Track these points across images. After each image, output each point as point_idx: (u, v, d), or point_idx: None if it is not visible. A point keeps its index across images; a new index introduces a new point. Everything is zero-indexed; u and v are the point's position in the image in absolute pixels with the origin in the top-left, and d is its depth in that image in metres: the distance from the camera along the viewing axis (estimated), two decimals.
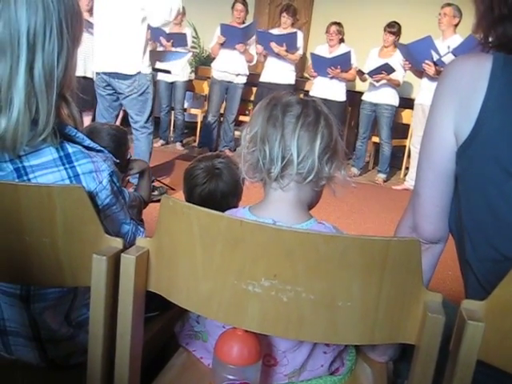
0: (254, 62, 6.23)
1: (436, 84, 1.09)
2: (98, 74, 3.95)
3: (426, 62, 4.97)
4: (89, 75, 5.47)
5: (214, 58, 6.27)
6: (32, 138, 0.99)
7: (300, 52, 6.10)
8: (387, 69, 5.44)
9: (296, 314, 0.86)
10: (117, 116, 4.22)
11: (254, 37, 6.04)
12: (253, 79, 6.47)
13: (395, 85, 5.64)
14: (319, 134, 1.10)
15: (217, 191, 1.74)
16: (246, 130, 1.16)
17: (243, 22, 6.08)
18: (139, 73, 3.83)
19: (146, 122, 4.02)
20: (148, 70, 3.92)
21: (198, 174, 1.77)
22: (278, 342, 1.12)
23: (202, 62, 7.67)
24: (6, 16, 0.95)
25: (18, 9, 0.95)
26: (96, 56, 3.94)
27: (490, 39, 1.04)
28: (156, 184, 4.31)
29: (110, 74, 3.84)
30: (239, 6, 6.02)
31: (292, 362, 1.13)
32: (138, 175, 2.10)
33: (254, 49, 6.11)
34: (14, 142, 0.97)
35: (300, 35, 6.02)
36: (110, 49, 3.79)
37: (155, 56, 4.57)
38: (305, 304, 0.85)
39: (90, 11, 5.65)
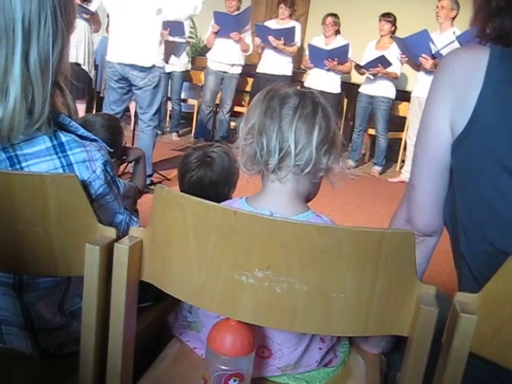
0: (250, 51, 6.20)
1: (433, 77, 1.09)
2: (111, 66, 3.95)
3: (423, 55, 4.96)
4: (80, 61, 5.46)
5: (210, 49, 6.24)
6: (27, 127, 0.98)
7: (298, 45, 6.09)
8: (383, 61, 5.43)
9: (289, 305, 0.86)
10: (125, 109, 4.22)
11: (249, 25, 6.01)
12: (248, 70, 6.45)
13: (393, 78, 5.63)
14: (317, 126, 1.09)
15: (205, 179, 1.75)
16: (243, 122, 1.16)
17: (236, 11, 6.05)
18: (154, 66, 3.86)
19: (154, 114, 4.05)
20: (162, 63, 3.97)
21: (189, 160, 1.79)
22: (273, 333, 1.12)
23: (199, 53, 7.63)
24: (0, 4, 0.94)
25: None
26: (111, 46, 3.95)
27: (487, 31, 1.04)
28: (155, 179, 4.30)
29: (125, 65, 3.85)
30: None
31: (287, 355, 1.13)
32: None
33: (250, 38, 6.08)
34: (11, 131, 0.97)
35: (298, 28, 6.00)
36: (126, 40, 3.80)
37: (171, 49, 4.56)
38: (298, 295, 0.85)
39: None
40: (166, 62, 4.33)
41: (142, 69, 3.83)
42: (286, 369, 1.14)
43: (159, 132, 6.61)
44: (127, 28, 3.78)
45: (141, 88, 3.93)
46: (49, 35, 0.99)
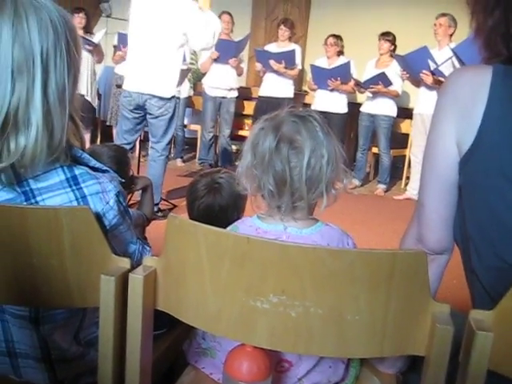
0: (243, 74, 6.31)
1: (434, 93, 1.11)
2: (126, 95, 3.92)
3: (424, 71, 4.99)
4: (83, 92, 5.52)
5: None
6: (47, 156, 1.01)
7: (299, 67, 6.15)
8: (383, 79, 5.46)
9: (305, 329, 0.87)
10: (137, 138, 4.20)
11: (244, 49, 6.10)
12: (245, 93, 6.52)
13: (394, 96, 5.65)
14: (324, 162, 1.11)
15: (214, 205, 1.76)
16: (250, 154, 1.16)
17: (230, 33, 6.11)
18: (174, 96, 3.88)
19: (167, 144, 4.05)
20: (178, 93, 4.00)
21: (197, 188, 1.81)
22: None
23: (200, 78, 7.69)
24: (21, 39, 0.98)
25: (31, 31, 0.98)
26: (130, 75, 3.93)
27: (493, 52, 1.04)
28: (162, 206, 4.31)
29: (144, 94, 3.83)
30: (226, 18, 6.03)
31: (306, 361, 1.14)
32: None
33: (244, 61, 6.18)
34: (33, 160, 1.00)
35: (298, 51, 6.08)
36: (148, 70, 3.78)
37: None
38: (313, 319, 0.85)
39: (84, 29, 5.78)
40: None
41: (161, 99, 3.82)
42: (304, 376, 1.14)
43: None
44: (149, 58, 3.76)
45: (157, 117, 3.90)
46: (64, 66, 1.03)
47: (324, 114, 1.22)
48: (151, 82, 3.78)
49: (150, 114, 3.91)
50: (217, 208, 1.76)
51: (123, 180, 1.15)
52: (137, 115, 3.96)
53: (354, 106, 6.33)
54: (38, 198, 1.02)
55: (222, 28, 3.86)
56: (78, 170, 1.06)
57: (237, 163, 1.21)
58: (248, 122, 7.02)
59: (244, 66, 6.19)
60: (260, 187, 1.14)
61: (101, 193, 1.05)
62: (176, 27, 3.69)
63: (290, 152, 1.11)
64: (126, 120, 4.01)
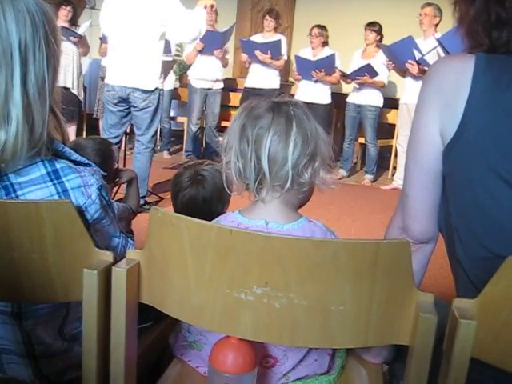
0: (229, 65, 6.30)
1: (420, 83, 1.10)
2: (109, 89, 3.89)
3: (409, 61, 5.00)
4: (68, 85, 5.47)
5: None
6: (28, 150, 1.00)
7: (285, 58, 6.14)
8: (369, 70, 5.47)
9: (289, 320, 0.86)
10: (123, 132, 4.15)
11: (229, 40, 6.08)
12: (231, 84, 6.51)
13: (380, 87, 5.66)
14: (291, 143, 1.09)
15: (198, 197, 1.76)
16: (224, 142, 1.17)
17: (215, 25, 6.09)
18: (157, 88, 3.85)
19: (153, 136, 4.03)
20: (161, 85, 3.94)
21: (181, 180, 1.80)
22: None
23: (186, 70, 7.66)
24: None
25: (8, 23, 0.96)
26: (111, 69, 3.90)
27: (485, 42, 1.04)
28: (149, 199, 4.29)
29: (127, 87, 3.81)
30: (209, 9, 6.02)
31: (292, 358, 1.13)
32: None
33: (229, 52, 6.16)
34: (14, 155, 0.98)
35: (284, 41, 6.05)
36: (128, 63, 3.76)
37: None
38: (298, 310, 0.85)
39: (70, 21, 5.71)
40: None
41: (145, 91, 3.80)
42: (289, 371, 1.14)
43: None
44: (130, 51, 3.73)
45: (141, 109, 3.88)
46: (43, 58, 1.01)
47: (307, 104, 1.21)
48: (133, 74, 3.76)
49: (134, 106, 3.89)
50: (200, 200, 1.76)
51: (106, 174, 1.14)
52: (121, 108, 3.93)
53: (341, 97, 6.34)
54: (19, 193, 1.01)
55: (204, 22, 3.83)
56: (59, 164, 1.04)
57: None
58: (234, 113, 6.99)
59: (229, 57, 6.17)
60: (230, 168, 1.14)
61: (82, 187, 1.04)
62: (154, 18, 3.66)
63: (255, 129, 1.10)
64: (111, 114, 3.98)
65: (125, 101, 3.89)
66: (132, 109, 3.93)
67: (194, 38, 3.85)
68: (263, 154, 1.09)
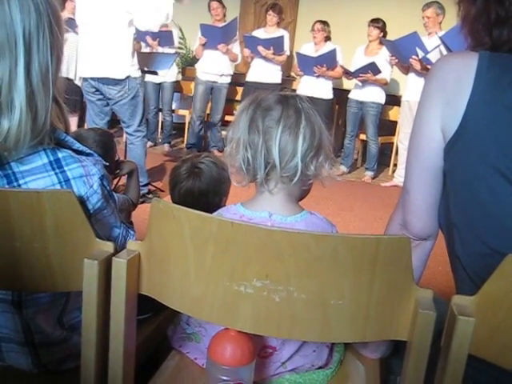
0: (239, 60, 6.26)
1: (422, 80, 1.10)
2: (85, 79, 3.85)
3: (413, 57, 4.99)
4: (71, 76, 5.45)
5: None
6: (31, 139, 1.00)
7: (287, 53, 6.13)
8: (373, 68, 5.45)
9: (288, 313, 0.87)
10: (109, 121, 4.10)
11: (237, 35, 6.06)
12: (238, 79, 6.48)
13: (383, 84, 5.65)
14: (301, 136, 1.10)
15: (194, 189, 1.77)
16: (229, 133, 1.17)
17: (223, 19, 6.09)
18: (129, 77, 3.77)
19: (139, 125, 3.96)
20: (137, 74, 3.86)
21: (178, 172, 1.82)
22: None
23: (189, 63, 7.65)
24: (1, 19, 0.95)
25: (13, 11, 0.96)
26: (82, 61, 3.86)
27: (486, 41, 1.04)
28: (150, 188, 4.29)
29: (98, 80, 3.75)
30: (214, 4, 6.04)
31: (289, 346, 1.14)
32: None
33: (238, 47, 6.13)
34: (17, 143, 0.98)
35: (286, 37, 6.04)
36: (97, 53, 3.71)
37: (145, 59, 4.52)
38: (297, 303, 0.85)
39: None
40: (143, 73, 4.24)
41: (116, 81, 3.72)
42: (287, 360, 1.14)
43: (151, 143, 6.61)
44: (98, 41, 3.67)
45: (117, 102, 3.81)
46: (47, 47, 1.01)
47: (309, 99, 1.21)
48: (102, 64, 3.69)
49: (110, 99, 3.83)
50: (197, 192, 1.77)
51: (107, 164, 1.14)
52: (101, 96, 3.88)
53: (343, 93, 6.33)
54: (21, 181, 1.01)
55: (171, 9, 3.74)
56: (61, 153, 1.04)
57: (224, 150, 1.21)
58: (237, 107, 6.99)
59: (237, 51, 6.13)
60: (238, 159, 1.14)
61: (84, 176, 1.04)
62: (119, 5, 3.60)
63: (265, 121, 1.11)
64: (92, 104, 3.95)
65: (100, 91, 3.84)
66: (109, 102, 3.87)
67: (160, 23, 3.79)
68: (274, 145, 1.09)
